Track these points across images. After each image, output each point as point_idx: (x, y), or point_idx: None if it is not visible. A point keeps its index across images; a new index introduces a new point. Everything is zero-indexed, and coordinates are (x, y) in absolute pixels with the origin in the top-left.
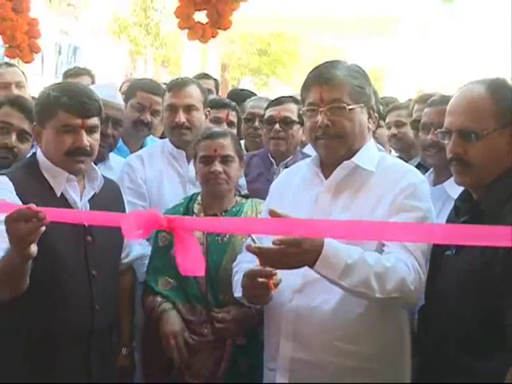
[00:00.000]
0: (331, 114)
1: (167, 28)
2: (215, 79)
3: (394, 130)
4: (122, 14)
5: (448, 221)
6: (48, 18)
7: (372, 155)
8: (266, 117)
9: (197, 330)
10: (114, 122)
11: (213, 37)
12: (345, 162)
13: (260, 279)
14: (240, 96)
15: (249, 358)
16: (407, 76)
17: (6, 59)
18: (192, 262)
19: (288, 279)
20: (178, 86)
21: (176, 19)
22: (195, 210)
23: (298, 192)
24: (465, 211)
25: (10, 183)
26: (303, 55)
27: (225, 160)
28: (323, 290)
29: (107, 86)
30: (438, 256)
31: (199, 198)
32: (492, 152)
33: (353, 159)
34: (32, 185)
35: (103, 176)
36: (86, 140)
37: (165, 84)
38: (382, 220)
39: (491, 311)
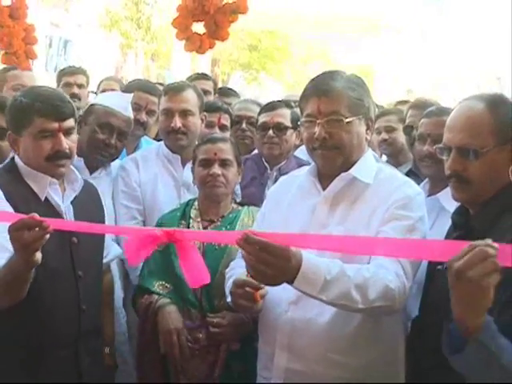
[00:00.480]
0: (329, 127)
1: (158, 22)
2: (214, 80)
3: (384, 135)
4: (114, 8)
5: (447, 234)
6: (39, 11)
7: (370, 167)
8: (259, 123)
9: (191, 334)
10: (120, 133)
11: (210, 48)
12: (342, 174)
13: (247, 289)
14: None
15: (243, 364)
16: (395, 75)
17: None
18: (198, 272)
19: (284, 291)
20: (174, 90)
21: (169, 17)
22: (192, 215)
23: (294, 201)
24: (460, 226)
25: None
26: (293, 52)
27: (224, 164)
28: (318, 302)
29: (121, 97)
30: (431, 270)
31: (196, 203)
32: (491, 169)
33: (350, 171)
34: (17, 190)
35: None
36: (65, 143)
37: (159, 84)
38: (376, 232)
39: None
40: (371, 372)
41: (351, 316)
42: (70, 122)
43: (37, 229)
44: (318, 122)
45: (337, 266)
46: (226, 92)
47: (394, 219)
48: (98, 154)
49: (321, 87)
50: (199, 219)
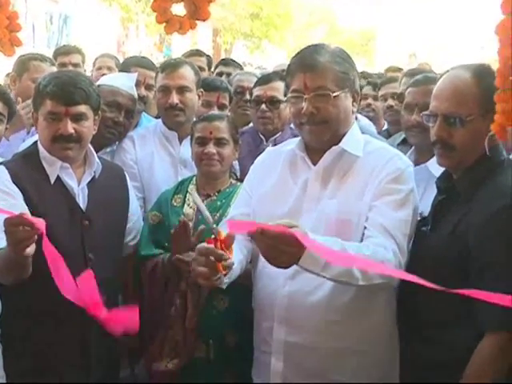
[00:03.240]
0: (316, 101)
1: None
2: (208, 56)
3: (390, 102)
4: None
5: (434, 199)
6: None
7: (357, 139)
8: (253, 96)
9: None
10: (127, 111)
11: (191, 28)
12: (333, 148)
13: (211, 258)
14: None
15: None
16: (399, 37)
17: None
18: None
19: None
20: (170, 66)
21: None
22: (188, 190)
23: (284, 176)
24: (444, 190)
25: (7, 171)
26: (296, 17)
27: (219, 142)
28: (314, 276)
29: (126, 76)
30: (416, 231)
31: (194, 178)
32: (474, 137)
33: (340, 144)
34: (28, 173)
35: (107, 160)
36: (71, 127)
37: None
38: (368, 206)
39: (458, 284)
40: (367, 341)
41: (346, 289)
42: (80, 109)
43: (28, 228)
44: (304, 97)
45: (338, 244)
46: (227, 63)
47: (387, 194)
48: (107, 132)
49: (306, 62)
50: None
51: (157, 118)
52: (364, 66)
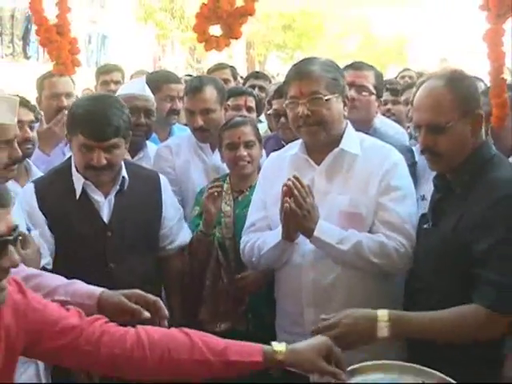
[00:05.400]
0: (310, 105)
1: (191, 11)
2: (231, 66)
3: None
4: (147, 0)
5: (431, 196)
6: (77, 9)
7: (354, 138)
8: (272, 109)
9: None
10: (145, 112)
11: (226, 46)
12: (334, 150)
13: None
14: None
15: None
16: (430, 44)
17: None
18: None
19: (302, 258)
20: (193, 91)
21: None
22: (224, 189)
23: None
24: (440, 189)
25: (34, 197)
26: (328, 28)
27: (247, 145)
28: (334, 265)
29: (136, 82)
30: (418, 228)
31: (227, 178)
32: (458, 140)
33: (340, 146)
34: (56, 190)
35: (141, 167)
36: (103, 158)
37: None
38: (375, 197)
39: (461, 278)
40: None
41: (365, 274)
42: (112, 141)
43: None
44: (300, 102)
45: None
46: (258, 76)
47: (390, 191)
48: (133, 135)
49: (301, 71)
50: (229, 191)
51: (186, 125)
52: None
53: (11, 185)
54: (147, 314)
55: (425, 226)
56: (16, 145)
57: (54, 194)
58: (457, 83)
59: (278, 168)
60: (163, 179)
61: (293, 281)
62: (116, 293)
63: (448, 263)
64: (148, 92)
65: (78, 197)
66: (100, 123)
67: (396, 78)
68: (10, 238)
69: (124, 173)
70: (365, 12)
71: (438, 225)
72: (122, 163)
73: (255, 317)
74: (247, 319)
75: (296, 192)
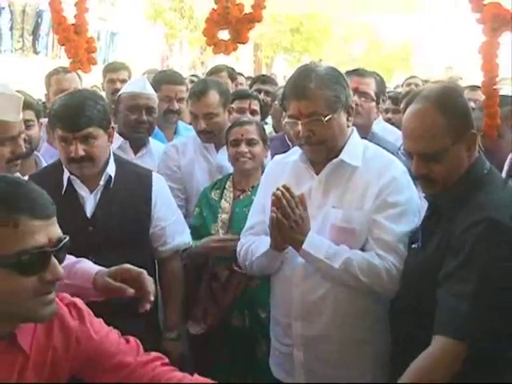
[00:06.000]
0: (310, 126)
1: (200, 11)
2: (228, 67)
3: None
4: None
5: (426, 211)
6: (87, 6)
7: (357, 148)
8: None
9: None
10: (147, 109)
11: (234, 50)
12: (333, 160)
13: None
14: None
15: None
16: (435, 51)
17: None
18: None
19: (293, 271)
20: (196, 95)
21: (210, 6)
22: (226, 186)
23: (291, 186)
24: (430, 206)
25: None
26: (335, 32)
27: (250, 142)
28: (323, 281)
29: (137, 80)
30: (408, 248)
31: (231, 177)
32: (454, 164)
33: (340, 156)
34: (47, 182)
35: (134, 165)
36: (81, 150)
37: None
38: (370, 213)
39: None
40: (372, 331)
41: (352, 288)
42: (86, 131)
43: None
44: (300, 122)
45: (345, 250)
46: (265, 80)
47: (386, 208)
48: (135, 132)
49: (299, 90)
50: (231, 189)
51: (191, 124)
52: None
53: None
54: (131, 291)
55: (413, 245)
56: (21, 141)
57: (44, 188)
58: (447, 104)
59: (279, 173)
60: (158, 178)
61: (283, 292)
62: (105, 272)
63: (430, 284)
64: (149, 90)
65: (63, 191)
66: (73, 114)
67: (402, 85)
68: (50, 249)
69: (111, 170)
70: (371, 17)
71: (425, 245)
72: (111, 160)
73: (251, 313)
74: (243, 315)
75: (284, 202)
